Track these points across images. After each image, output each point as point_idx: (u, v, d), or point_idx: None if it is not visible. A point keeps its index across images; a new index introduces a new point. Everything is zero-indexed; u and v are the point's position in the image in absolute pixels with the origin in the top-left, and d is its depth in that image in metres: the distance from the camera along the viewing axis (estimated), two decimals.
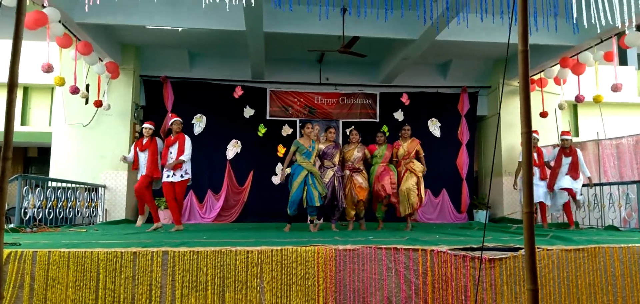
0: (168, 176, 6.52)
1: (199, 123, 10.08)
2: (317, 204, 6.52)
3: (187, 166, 6.61)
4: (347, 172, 7.09)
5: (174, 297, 3.81)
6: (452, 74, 10.82)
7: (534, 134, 7.66)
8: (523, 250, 4.07)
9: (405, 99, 10.56)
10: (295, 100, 10.41)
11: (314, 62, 10.49)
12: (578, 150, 7.50)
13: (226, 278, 3.89)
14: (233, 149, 10.06)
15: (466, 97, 10.73)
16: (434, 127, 10.71)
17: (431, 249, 4.14)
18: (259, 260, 3.95)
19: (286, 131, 10.40)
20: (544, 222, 7.61)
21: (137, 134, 9.64)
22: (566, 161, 7.36)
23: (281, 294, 3.91)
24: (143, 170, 6.70)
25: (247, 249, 3.97)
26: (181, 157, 6.47)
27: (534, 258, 2.23)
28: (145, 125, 6.92)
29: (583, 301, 4.24)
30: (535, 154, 7.57)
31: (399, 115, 10.63)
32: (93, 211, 8.30)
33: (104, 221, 8.66)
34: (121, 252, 3.85)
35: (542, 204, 7.57)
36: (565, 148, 7.45)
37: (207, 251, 3.91)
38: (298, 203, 6.60)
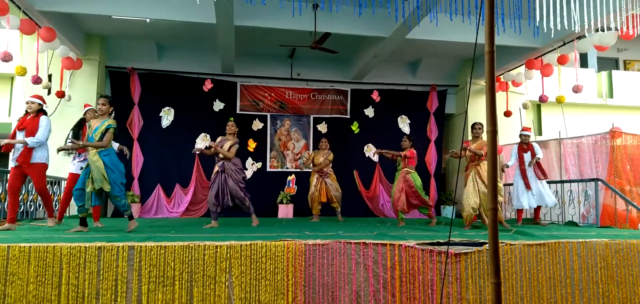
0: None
1: (167, 116, 9.90)
2: (80, 204, 5.19)
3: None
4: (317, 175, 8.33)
5: (140, 292, 3.75)
6: (421, 73, 11.00)
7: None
8: (487, 245, 4.19)
9: (375, 96, 10.66)
10: (266, 95, 10.36)
11: (286, 57, 10.46)
12: (534, 143, 7.71)
13: (194, 272, 3.85)
14: (202, 143, 9.92)
15: (435, 96, 10.92)
16: (404, 124, 10.86)
17: (399, 243, 4.21)
18: (228, 255, 3.92)
19: (257, 125, 10.33)
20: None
21: None
22: (526, 158, 7.52)
23: (250, 289, 3.90)
24: (16, 158, 5.44)
25: (215, 243, 3.94)
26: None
27: (497, 253, 2.30)
28: (29, 98, 5.65)
29: (543, 294, 4.40)
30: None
31: (369, 111, 10.73)
32: (55, 205, 8.03)
33: (67, 215, 8.40)
34: (85, 247, 3.75)
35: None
36: (524, 144, 7.59)
37: (175, 246, 3.86)
38: (81, 194, 5.19)
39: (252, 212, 6.64)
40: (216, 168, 6.49)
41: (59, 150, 5.92)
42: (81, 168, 5.70)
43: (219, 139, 6.69)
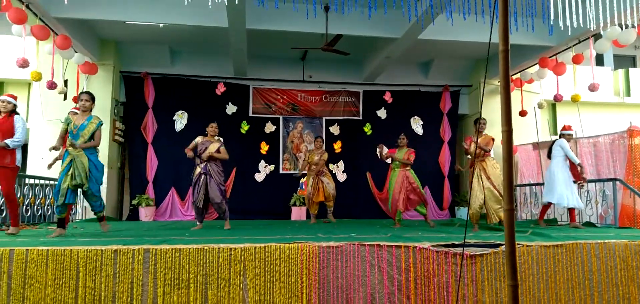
0: None
1: (181, 120, 9.98)
2: (58, 201, 5.19)
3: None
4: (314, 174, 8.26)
5: (155, 295, 3.77)
6: (434, 73, 10.93)
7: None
8: (503, 246, 4.14)
9: (388, 97, 10.62)
10: (279, 97, 10.39)
11: (297, 59, 10.48)
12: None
13: (209, 275, 3.86)
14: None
15: (448, 96, 10.85)
16: (417, 125, 10.81)
17: (414, 246, 4.18)
18: (242, 257, 3.93)
19: (269, 128, 10.36)
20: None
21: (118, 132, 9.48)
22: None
23: (265, 292, 3.91)
24: None
25: (230, 246, 3.95)
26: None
27: (514, 254, 2.27)
28: (5, 97, 5.42)
29: (561, 296, 4.33)
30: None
31: (382, 113, 10.70)
32: (72, 209, 8.13)
33: (84, 218, 8.51)
34: (102, 250, 3.79)
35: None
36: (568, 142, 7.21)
37: (190, 249, 3.88)
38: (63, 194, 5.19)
39: (227, 217, 6.58)
40: (198, 169, 6.49)
41: (51, 149, 5.66)
42: None
43: (198, 139, 6.66)
